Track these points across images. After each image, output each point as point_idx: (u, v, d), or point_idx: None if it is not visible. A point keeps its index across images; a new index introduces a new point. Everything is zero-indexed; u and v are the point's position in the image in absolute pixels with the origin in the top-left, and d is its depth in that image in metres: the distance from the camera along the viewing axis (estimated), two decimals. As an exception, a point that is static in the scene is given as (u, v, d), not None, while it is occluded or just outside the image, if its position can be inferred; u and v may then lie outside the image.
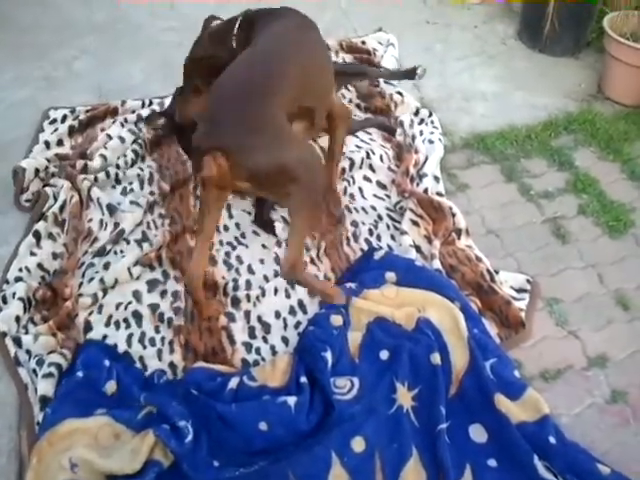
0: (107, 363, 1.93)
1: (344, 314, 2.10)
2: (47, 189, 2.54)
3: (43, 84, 3.25)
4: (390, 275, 2.26)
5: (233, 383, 1.85)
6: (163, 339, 2.10)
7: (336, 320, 2.06)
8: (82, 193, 2.54)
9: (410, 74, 3.07)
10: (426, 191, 2.65)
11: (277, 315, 2.19)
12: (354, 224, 2.55)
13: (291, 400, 1.80)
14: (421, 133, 2.94)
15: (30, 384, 1.92)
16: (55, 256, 2.35)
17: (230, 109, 1.88)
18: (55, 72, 3.34)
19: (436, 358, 1.99)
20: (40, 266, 2.29)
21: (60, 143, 2.81)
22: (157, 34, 3.68)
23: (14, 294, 2.13)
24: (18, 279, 2.22)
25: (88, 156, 2.72)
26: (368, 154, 2.83)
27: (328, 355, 1.95)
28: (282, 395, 1.84)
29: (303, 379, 1.88)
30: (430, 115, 3.04)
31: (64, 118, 2.96)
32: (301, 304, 2.24)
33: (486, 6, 4.06)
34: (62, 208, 2.48)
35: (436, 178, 2.73)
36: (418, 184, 2.68)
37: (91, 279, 2.26)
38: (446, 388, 1.95)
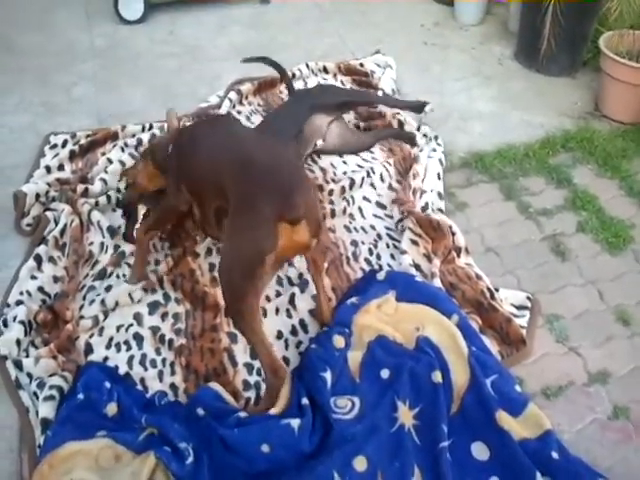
0: (108, 385, 1.93)
1: (346, 335, 2.10)
2: (48, 213, 2.56)
3: (43, 110, 3.29)
4: (391, 292, 2.27)
5: (241, 414, 1.85)
6: (164, 360, 2.10)
7: (338, 342, 2.06)
8: (83, 217, 2.55)
9: (418, 108, 3.11)
10: (426, 206, 2.67)
11: (279, 335, 2.20)
12: (354, 244, 2.57)
13: (294, 422, 1.79)
14: (423, 149, 3.01)
15: (31, 407, 1.92)
16: (56, 279, 2.36)
17: (286, 178, 1.93)
18: (55, 98, 3.38)
19: (437, 376, 1.99)
20: (41, 289, 2.30)
21: (61, 167, 2.84)
22: (156, 60, 3.73)
23: (15, 317, 2.13)
24: (19, 302, 2.23)
25: (89, 180, 2.75)
26: (369, 173, 2.85)
27: (327, 375, 1.95)
28: (284, 417, 1.83)
29: (304, 401, 1.87)
30: (430, 134, 3.10)
31: (65, 143, 2.99)
32: (302, 323, 2.24)
33: (483, 27, 4.12)
34: (63, 232, 2.50)
35: (439, 194, 2.76)
36: (420, 197, 2.71)
37: (92, 301, 2.27)
38: (447, 406, 1.95)
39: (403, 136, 3.06)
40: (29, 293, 2.27)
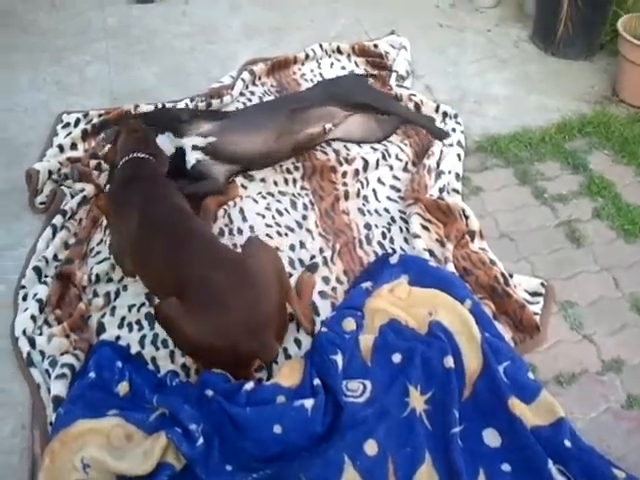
0: (119, 364, 1.94)
1: (358, 318, 2.09)
2: (63, 188, 2.58)
3: (56, 89, 3.27)
4: (404, 276, 2.25)
5: (249, 385, 1.85)
6: (176, 341, 2.10)
7: (349, 325, 2.05)
8: (100, 187, 2.59)
9: (439, 135, 2.92)
10: (443, 188, 2.65)
11: (290, 317, 2.18)
12: (367, 227, 2.55)
13: (308, 403, 1.78)
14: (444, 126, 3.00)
15: (43, 384, 1.94)
16: (67, 246, 2.41)
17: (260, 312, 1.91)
18: (68, 77, 3.36)
19: (449, 361, 1.97)
20: (55, 257, 2.34)
21: (74, 147, 2.83)
22: (170, 40, 3.69)
23: (35, 294, 2.17)
24: (36, 269, 2.27)
25: (100, 157, 2.74)
26: (384, 155, 2.83)
27: (338, 358, 1.94)
28: (296, 396, 1.83)
29: (317, 381, 1.87)
30: (450, 112, 3.08)
31: (77, 122, 2.98)
32: (313, 306, 2.22)
33: (499, 10, 4.05)
34: (79, 204, 2.53)
35: (457, 176, 2.75)
36: (436, 180, 2.69)
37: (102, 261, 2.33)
38: (459, 392, 1.93)
39: (432, 130, 2.95)
40: (46, 260, 2.31)
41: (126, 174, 2.33)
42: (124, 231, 2.20)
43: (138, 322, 2.15)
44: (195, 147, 2.63)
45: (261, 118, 2.72)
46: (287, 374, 1.91)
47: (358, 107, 2.91)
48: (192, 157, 2.61)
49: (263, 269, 1.97)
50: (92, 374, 1.88)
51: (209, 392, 1.83)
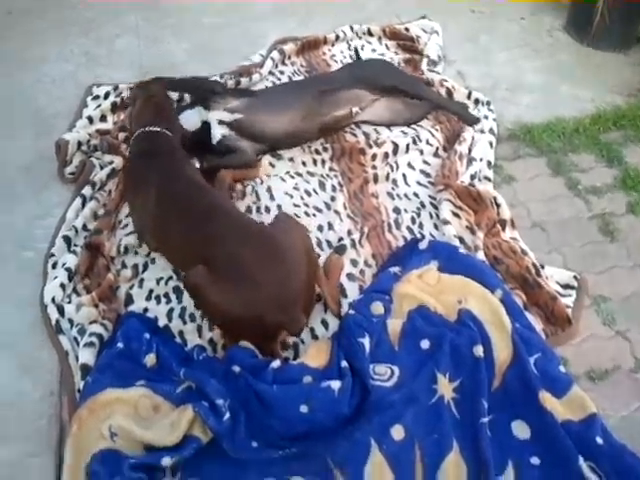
0: (147, 336, 1.92)
1: (386, 302, 2.06)
2: (92, 159, 2.56)
3: (84, 60, 3.26)
4: (434, 262, 2.22)
5: (275, 363, 1.83)
6: (203, 315, 2.07)
7: (377, 309, 2.03)
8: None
9: (470, 120, 2.87)
10: (475, 175, 2.61)
11: (317, 298, 2.15)
12: (396, 211, 2.51)
13: (335, 384, 1.76)
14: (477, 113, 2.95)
15: (71, 352, 1.94)
16: (96, 216, 2.40)
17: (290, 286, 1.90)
18: (97, 49, 3.34)
19: (479, 350, 1.94)
20: (84, 227, 2.34)
21: (103, 119, 2.82)
22: (200, 15, 3.66)
23: (64, 264, 2.17)
24: (65, 238, 2.27)
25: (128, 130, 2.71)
26: (414, 140, 2.78)
27: (365, 341, 1.91)
28: (323, 377, 1.81)
29: (344, 363, 1.84)
30: (483, 99, 3.03)
31: (107, 94, 2.96)
32: (341, 287, 2.20)
33: (534, -4, 3.97)
34: (109, 175, 2.52)
35: (489, 163, 2.70)
36: (467, 167, 2.64)
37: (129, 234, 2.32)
38: (489, 381, 1.90)
39: (464, 116, 2.89)
40: (76, 229, 2.31)
41: (141, 148, 2.31)
42: (141, 207, 2.19)
43: (166, 295, 2.13)
44: (221, 122, 2.60)
45: (288, 98, 2.69)
46: (314, 355, 1.89)
47: (386, 91, 2.86)
48: (218, 132, 2.59)
49: (292, 243, 1.96)
50: (120, 344, 1.86)
51: (236, 368, 1.81)
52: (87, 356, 1.87)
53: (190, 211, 2.05)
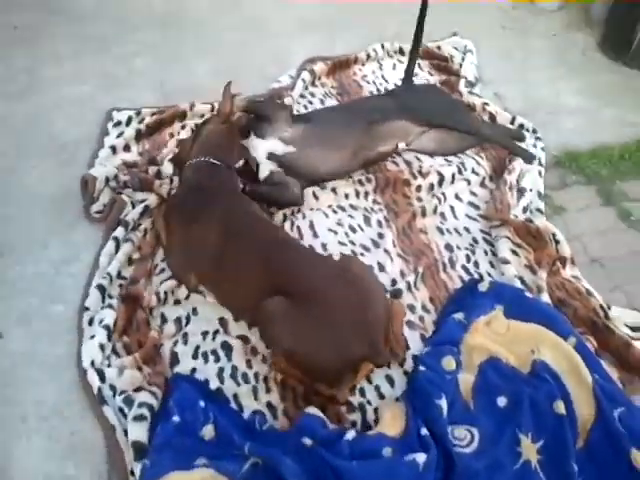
0: (202, 404, 1.73)
1: (456, 354, 1.90)
2: (123, 196, 2.35)
3: (103, 82, 3.05)
4: (499, 307, 2.06)
5: (350, 434, 1.65)
6: (257, 375, 1.90)
7: (449, 364, 1.87)
8: (163, 197, 2.38)
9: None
10: (527, 207, 2.48)
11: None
12: (448, 248, 2.36)
13: (420, 458, 1.59)
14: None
15: (118, 426, 1.72)
16: (130, 261, 2.20)
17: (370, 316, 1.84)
18: (115, 68, 3.14)
19: (560, 407, 1.79)
20: (119, 274, 2.14)
21: (127, 148, 2.62)
22: (220, 32, 3.48)
23: (101, 320, 1.96)
24: (100, 287, 2.06)
25: (157, 162, 2.53)
26: (459, 169, 2.63)
27: (442, 403, 1.76)
28: (402, 448, 1.65)
29: (424, 431, 1.68)
30: (528, 125, 2.88)
31: (129, 120, 2.76)
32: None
33: (564, 13, 3.84)
34: (142, 214, 2.32)
35: (539, 194, 2.56)
36: (519, 199, 2.50)
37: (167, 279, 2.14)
38: (573, 441, 1.75)
39: (520, 154, 2.69)
40: (110, 277, 2.10)
41: (198, 180, 2.15)
42: (186, 242, 2.04)
43: (214, 352, 1.94)
44: (272, 156, 2.42)
45: (340, 131, 2.48)
46: (390, 422, 1.72)
47: (436, 126, 2.68)
48: (266, 167, 2.42)
49: (368, 277, 1.96)
50: (176, 417, 1.67)
51: (307, 440, 1.63)
52: (138, 432, 1.66)
53: (259, 246, 1.94)
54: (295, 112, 2.79)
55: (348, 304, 1.76)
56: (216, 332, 2.00)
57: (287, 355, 1.75)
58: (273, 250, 1.92)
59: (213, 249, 1.96)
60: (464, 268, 2.29)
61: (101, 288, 2.05)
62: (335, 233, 2.37)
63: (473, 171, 2.64)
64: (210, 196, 2.07)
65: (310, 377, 1.79)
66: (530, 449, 1.73)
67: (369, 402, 1.85)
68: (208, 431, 1.68)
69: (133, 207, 2.32)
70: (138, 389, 1.79)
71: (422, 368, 1.86)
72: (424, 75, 3.21)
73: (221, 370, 1.90)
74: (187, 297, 2.10)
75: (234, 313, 2.02)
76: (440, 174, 2.58)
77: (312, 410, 1.72)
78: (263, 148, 2.41)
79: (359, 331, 1.74)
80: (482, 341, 1.96)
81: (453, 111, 2.73)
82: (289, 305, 1.74)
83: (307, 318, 1.72)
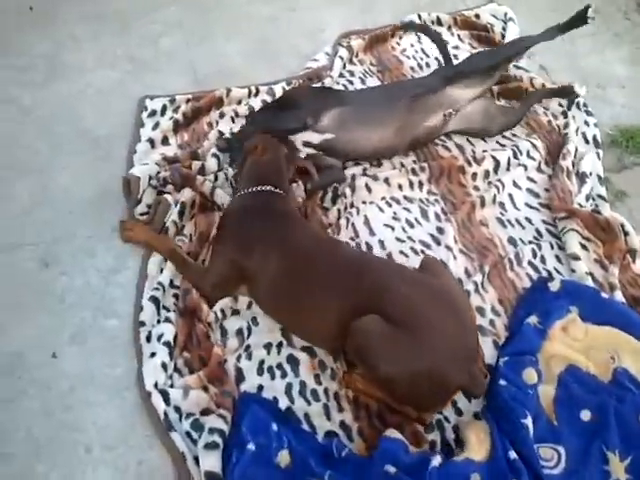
0: (275, 427, 1.64)
1: (535, 365, 1.81)
2: (167, 196, 2.19)
3: (130, 67, 2.86)
4: (574, 309, 1.96)
5: (436, 460, 1.56)
6: (327, 392, 1.80)
7: (530, 376, 1.78)
8: (205, 196, 2.24)
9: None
10: (590, 195, 2.35)
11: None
12: (512, 242, 2.24)
13: (513, 484, 1.51)
14: (574, 119, 2.64)
15: (187, 453, 1.62)
16: None
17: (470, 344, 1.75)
18: (141, 51, 2.94)
19: (647, 419, 1.70)
20: (171, 283, 2.01)
21: (165, 141, 2.46)
22: (246, 5, 3.26)
23: (160, 336, 1.84)
24: (153, 299, 1.94)
25: (200, 156, 2.38)
26: (515, 153, 2.49)
27: (529, 422, 1.68)
28: (491, 473, 1.57)
29: (513, 455, 1.60)
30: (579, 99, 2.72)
31: (164, 110, 2.59)
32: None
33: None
34: (181, 214, 2.17)
35: (599, 178, 2.43)
36: (580, 186, 2.38)
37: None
38: (663, 456, 1.67)
39: (558, 92, 2.70)
40: (163, 287, 1.97)
41: (249, 209, 2.00)
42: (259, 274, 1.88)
43: (280, 366, 1.84)
44: (307, 144, 2.31)
45: (380, 111, 2.37)
46: (476, 446, 1.63)
47: (486, 73, 2.55)
48: (303, 152, 2.33)
49: (460, 295, 1.85)
50: (251, 445, 1.57)
51: (390, 468, 1.54)
52: (211, 461, 1.56)
53: (340, 268, 1.80)
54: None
55: (446, 327, 1.64)
56: (280, 344, 1.89)
57: (382, 379, 1.62)
58: (358, 269, 1.77)
59: (277, 278, 1.82)
60: (531, 265, 2.17)
61: (155, 300, 1.93)
62: (392, 229, 2.25)
63: (529, 155, 2.50)
64: (261, 225, 1.92)
65: (399, 401, 1.68)
66: (618, 467, 1.65)
67: (447, 419, 1.76)
68: (283, 457, 1.59)
69: (175, 207, 2.18)
70: (206, 411, 1.69)
71: (503, 382, 1.76)
72: (465, 47, 3.03)
73: (289, 387, 1.80)
74: (249, 307, 1.98)
75: (312, 342, 1.88)
76: (495, 159, 2.45)
77: (392, 433, 1.63)
78: (299, 140, 2.32)
79: (458, 358, 1.63)
80: (559, 348, 1.86)
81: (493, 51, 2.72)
82: (386, 325, 1.61)
83: (406, 341, 1.60)
